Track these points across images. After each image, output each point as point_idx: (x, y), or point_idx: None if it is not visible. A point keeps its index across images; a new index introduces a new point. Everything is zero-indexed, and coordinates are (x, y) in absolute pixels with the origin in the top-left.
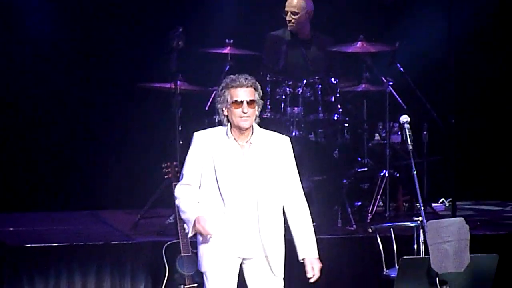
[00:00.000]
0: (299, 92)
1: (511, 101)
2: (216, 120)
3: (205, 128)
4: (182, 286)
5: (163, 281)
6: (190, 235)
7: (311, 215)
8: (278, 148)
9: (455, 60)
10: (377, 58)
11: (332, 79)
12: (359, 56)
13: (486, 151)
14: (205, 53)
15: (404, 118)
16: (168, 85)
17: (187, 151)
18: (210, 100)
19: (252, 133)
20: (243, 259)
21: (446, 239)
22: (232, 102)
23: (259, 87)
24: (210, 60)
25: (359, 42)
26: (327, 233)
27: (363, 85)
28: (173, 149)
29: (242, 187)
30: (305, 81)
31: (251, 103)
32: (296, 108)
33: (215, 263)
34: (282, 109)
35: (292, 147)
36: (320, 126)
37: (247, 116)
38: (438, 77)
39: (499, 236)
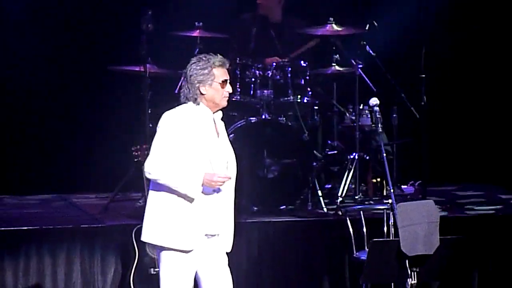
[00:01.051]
0: (269, 75)
1: (481, 84)
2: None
3: None
4: (152, 269)
5: (133, 264)
6: (196, 196)
7: (281, 199)
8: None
9: (425, 42)
10: (347, 41)
11: (302, 62)
12: (329, 39)
13: (456, 134)
14: (175, 36)
15: (374, 101)
16: (137, 68)
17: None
18: (180, 83)
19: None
20: (208, 235)
21: (416, 222)
22: (222, 81)
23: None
24: (179, 43)
25: (329, 25)
26: (297, 216)
27: (333, 68)
28: (143, 132)
29: (221, 164)
30: (274, 64)
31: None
32: (266, 91)
33: (190, 240)
34: (252, 92)
35: (263, 130)
36: (290, 109)
37: (228, 95)
38: (408, 60)
39: (468, 218)
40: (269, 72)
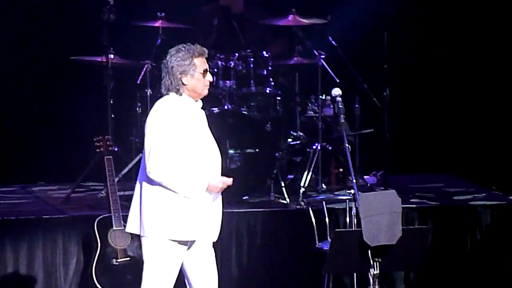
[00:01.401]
0: (231, 66)
1: (442, 74)
2: (148, 94)
3: (137, 102)
4: (114, 260)
5: (95, 255)
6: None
7: (244, 189)
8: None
9: (387, 33)
10: (309, 32)
11: (264, 53)
12: (291, 29)
13: (418, 124)
14: (137, 27)
15: (336, 91)
16: (99, 59)
17: (118, 124)
18: (142, 73)
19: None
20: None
21: (378, 212)
22: (204, 71)
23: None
24: (141, 34)
25: (291, 16)
26: (259, 207)
27: (295, 58)
28: (105, 123)
29: (211, 153)
30: (237, 54)
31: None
32: (228, 82)
33: (195, 230)
34: (215, 83)
35: (225, 120)
36: (253, 100)
37: (208, 84)
38: (370, 50)
39: (431, 208)
40: (231, 62)
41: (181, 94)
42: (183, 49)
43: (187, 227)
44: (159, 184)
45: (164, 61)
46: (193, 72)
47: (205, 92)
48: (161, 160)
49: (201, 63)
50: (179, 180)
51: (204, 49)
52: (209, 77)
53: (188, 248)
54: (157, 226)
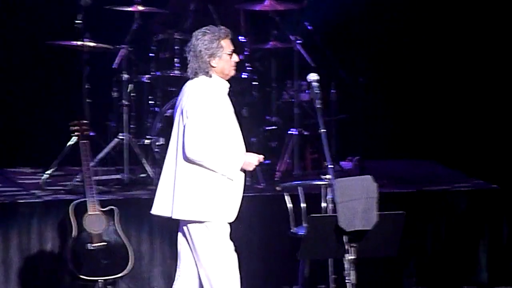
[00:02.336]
0: None
1: (418, 60)
2: (124, 78)
3: (113, 87)
4: (89, 244)
5: (70, 240)
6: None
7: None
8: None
9: (364, 18)
10: (286, 16)
11: (241, 37)
12: (268, 14)
13: (393, 110)
14: (113, 11)
15: (312, 77)
16: (75, 43)
17: (94, 109)
18: (118, 58)
19: None
20: None
21: (354, 197)
22: (231, 52)
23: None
24: (117, 18)
25: (267, 1)
26: None
27: (271, 43)
28: (81, 107)
29: (239, 132)
30: None
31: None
32: None
33: (234, 211)
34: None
35: None
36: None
37: (235, 64)
38: (347, 36)
39: (407, 194)
40: None
41: (210, 76)
42: (208, 32)
43: (231, 208)
44: (200, 165)
45: (189, 45)
46: (220, 54)
47: (232, 72)
48: (201, 140)
49: (227, 45)
50: (218, 159)
51: (228, 30)
52: (235, 58)
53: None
54: (204, 210)
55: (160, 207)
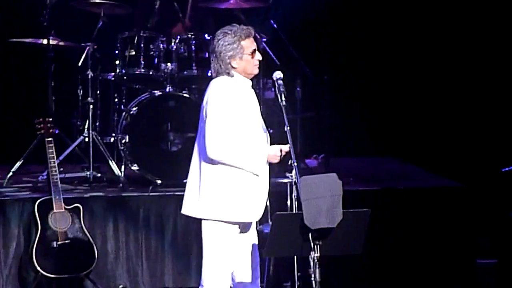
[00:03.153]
0: (173, 48)
1: (384, 57)
2: (89, 76)
3: (78, 84)
4: (55, 242)
5: (35, 237)
6: (261, 173)
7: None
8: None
9: (329, 16)
10: (251, 15)
11: (206, 35)
12: (233, 12)
13: (359, 107)
14: (78, 9)
15: (277, 74)
16: (40, 41)
17: (59, 107)
18: (83, 56)
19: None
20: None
21: (319, 195)
22: (251, 52)
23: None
24: (83, 16)
25: None
26: None
27: None
28: (46, 105)
29: (262, 130)
30: (179, 37)
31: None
32: (170, 64)
33: (252, 214)
34: (156, 65)
35: (167, 103)
36: (194, 82)
37: (258, 63)
38: (312, 34)
39: (372, 191)
40: (173, 45)
41: (232, 75)
42: (229, 32)
43: (248, 208)
44: (220, 163)
45: (211, 46)
46: (241, 55)
47: (256, 71)
48: (220, 138)
49: (248, 45)
50: (240, 155)
51: (250, 29)
52: (258, 56)
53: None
54: (217, 209)
55: (185, 207)
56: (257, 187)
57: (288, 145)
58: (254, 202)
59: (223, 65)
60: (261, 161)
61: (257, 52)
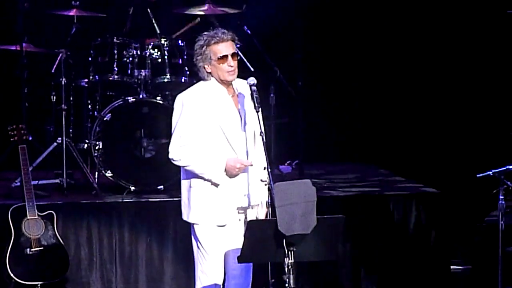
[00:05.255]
0: (147, 55)
1: (359, 63)
2: (63, 82)
3: (51, 91)
4: (28, 249)
5: (9, 244)
6: (221, 183)
7: (159, 178)
8: (248, 94)
9: (302, 23)
10: (225, 21)
11: (180, 42)
12: (206, 18)
13: (333, 113)
14: (51, 15)
15: (251, 80)
16: (13, 47)
17: (33, 113)
18: (56, 62)
19: (232, 83)
20: (238, 211)
21: (293, 201)
22: (218, 58)
23: (236, 38)
24: (56, 22)
25: (206, 4)
26: (174, 196)
27: None
28: (19, 112)
29: (240, 137)
30: (152, 43)
31: (234, 55)
32: (143, 71)
33: (219, 217)
34: (129, 72)
35: (140, 109)
36: (168, 89)
37: (233, 69)
38: (286, 40)
39: (346, 197)
40: (146, 51)
41: (208, 81)
42: (201, 37)
43: (215, 212)
44: (184, 168)
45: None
46: (210, 60)
47: (229, 77)
48: (179, 143)
49: (217, 50)
50: (199, 163)
51: (222, 35)
52: (229, 62)
53: (230, 231)
54: (192, 212)
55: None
56: (226, 192)
57: (250, 161)
58: (221, 206)
59: (200, 70)
60: (218, 170)
61: (229, 58)
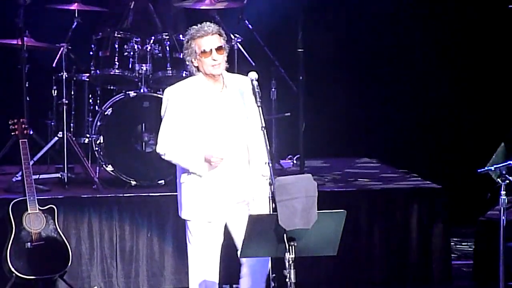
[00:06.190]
0: (148, 49)
1: (360, 57)
2: (63, 77)
3: (52, 85)
4: (29, 243)
5: (10, 238)
6: (204, 174)
7: (160, 172)
8: (244, 90)
9: (304, 16)
10: (226, 15)
11: (181, 36)
12: (207, 12)
13: (333, 108)
14: (53, 9)
15: (252, 75)
16: (15, 42)
17: (34, 108)
18: (58, 56)
19: (223, 78)
20: (229, 206)
21: (294, 196)
22: (201, 52)
23: (224, 32)
24: (57, 17)
25: None
26: (169, 191)
27: None
28: (20, 106)
29: (227, 132)
30: (153, 38)
31: (219, 49)
32: (144, 65)
33: (206, 212)
34: (131, 66)
35: (141, 104)
36: (169, 83)
37: (218, 63)
38: (287, 34)
39: (347, 192)
40: (147, 46)
41: (197, 75)
42: (188, 32)
43: (202, 209)
44: (169, 162)
45: None
46: (195, 55)
47: (214, 71)
48: (165, 137)
49: (200, 44)
50: (180, 155)
51: (207, 28)
52: (213, 56)
53: (223, 226)
54: (183, 209)
55: None
56: (215, 188)
57: (221, 155)
58: (209, 202)
59: (188, 64)
60: (198, 161)
61: (213, 52)
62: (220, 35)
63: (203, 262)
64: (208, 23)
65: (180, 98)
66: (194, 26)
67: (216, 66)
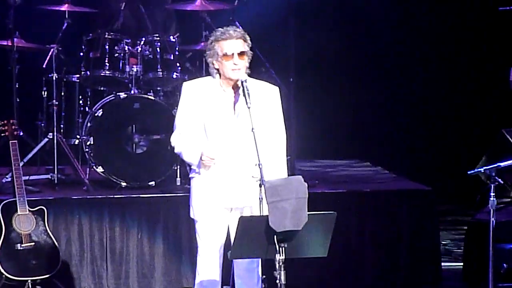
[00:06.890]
0: (138, 50)
1: (351, 59)
2: (54, 78)
3: (42, 86)
4: (19, 245)
5: (0, 239)
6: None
7: (150, 174)
8: (267, 98)
9: (295, 19)
10: (216, 16)
11: (171, 37)
12: (198, 14)
13: (324, 110)
14: (43, 10)
15: (243, 76)
16: (5, 43)
17: (24, 109)
18: (48, 57)
19: (243, 84)
20: (232, 209)
21: (284, 198)
22: (223, 55)
23: (248, 38)
24: (47, 18)
25: (198, 0)
26: (166, 192)
27: (202, 44)
28: (10, 107)
29: (234, 137)
30: (143, 39)
31: (241, 54)
32: (135, 66)
33: (207, 213)
34: (121, 67)
35: (132, 105)
36: (159, 84)
37: (238, 68)
38: (278, 36)
39: (337, 194)
40: (138, 47)
41: (214, 77)
42: (213, 33)
43: (200, 209)
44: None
45: None
46: (217, 57)
47: (234, 76)
48: (177, 130)
49: (223, 47)
50: (184, 148)
51: (231, 32)
52: (235, 60)
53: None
54: (190, 208)
55: None
56: (216, 189)
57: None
58: (209, 203)
59: (210, 66)
60: (195, 158)
61: (235, 56)
62: (244, 40)
63: (206, 262)
64: (234, 27)
65: (193, 94)
66: (220, 28)
67: (236, 70)
